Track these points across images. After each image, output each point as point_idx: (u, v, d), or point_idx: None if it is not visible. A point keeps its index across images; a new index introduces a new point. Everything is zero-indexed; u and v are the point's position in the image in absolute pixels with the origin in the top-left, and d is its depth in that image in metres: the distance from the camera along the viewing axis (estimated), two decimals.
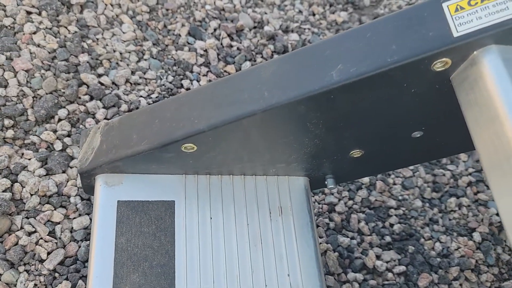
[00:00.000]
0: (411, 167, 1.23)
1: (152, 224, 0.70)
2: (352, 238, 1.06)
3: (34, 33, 1.05)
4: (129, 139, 0.69)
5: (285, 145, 0.69)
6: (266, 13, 1.36)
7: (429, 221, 1.15)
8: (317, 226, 1.05)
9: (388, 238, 1.08)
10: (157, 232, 0.70)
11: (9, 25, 1.05)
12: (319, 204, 1.09)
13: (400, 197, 1.16)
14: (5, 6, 1.07)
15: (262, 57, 1.24)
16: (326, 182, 0.83)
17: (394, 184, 1.18)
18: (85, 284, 0.81)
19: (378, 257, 1.05)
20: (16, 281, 0.78)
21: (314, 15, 1.44)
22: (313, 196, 1.10)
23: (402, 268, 1.03)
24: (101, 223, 0.68)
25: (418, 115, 0.64)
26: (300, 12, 1.43)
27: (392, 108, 0.62)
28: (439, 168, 1.26)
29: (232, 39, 1.26)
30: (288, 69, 0.61)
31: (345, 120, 0.64)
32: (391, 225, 1.11)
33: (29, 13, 1.08)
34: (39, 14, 1.09)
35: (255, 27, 1.32)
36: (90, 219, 0.88)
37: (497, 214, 1.17)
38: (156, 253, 0.68)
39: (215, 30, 1.27)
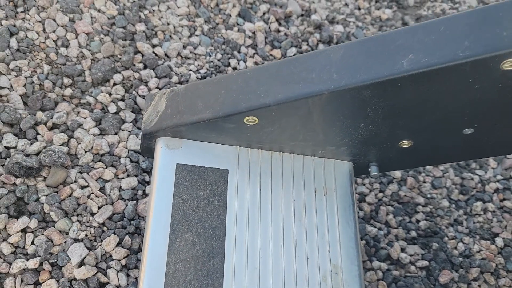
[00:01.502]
0: (441, 167, 1.26)
1: (207, 188, 0.74)
2: (380, 229, 1.10)
3: None
4: (195, 106, 0.72)
5: (341, 127, 0.73)
6: (314, 2, 1.39)
7: (454, 221, 1.18)
8: None
9: (413, 233, 1.11)
10: (211, 197, 0.74)
11: None
12: None
13: (428, 195, 1.19)
14: None
15: (308, 44, 1.27)
16: (369, 169, 0.86)
17: (424, 182, 1.21)
18: (131, 240, 0.86)
19: (402, 249, 1.08)
20: (69, 229, 0.82)
21: (359, 9, 1.46)
22: (365, 175, 1.13)
23: (425, 263, 1.06)
24: (161, 182, 0.72)
25: (474, 111, 0.67)
26: (346, 5, 1.45)
27: (452, 102, 0.65)
28: (468, 171, 1.28)
29: (280, 24, 1.29)
30: (358, 54, 0.64)
31: (404, 109, 0.67)
32: (418, 221, 1.14)
33: None
34: None
35: (302, 15, 1.35)
36: (138, 181, 0.93)
37: None
38: (209, 216, 0.72)
39: (264, 14, 1.30)
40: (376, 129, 0.73)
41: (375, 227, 1.10)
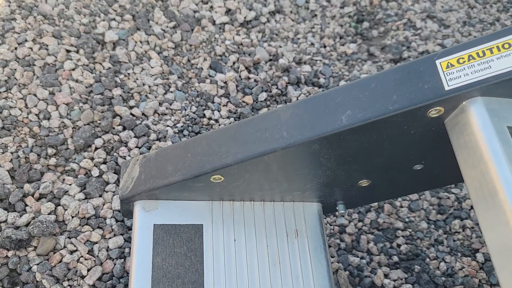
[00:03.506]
0: None
1: (183, 245, 0.80)
2: (362, 257, 1.14)
3: (73, 69, 1.17)
4: (165, 170, 0.79)
5: (301, 176, 0.79)
6: (281, 47, 1.47)
7: (434, 241, 1.22)
8: (329, 246, 1.14)
9: (395, 258, 1.16)
10: (188, 253, 0.79)
11: (51, 63, 1.17)
12: (330, 225, 1.18)
13: (406, 219, 1.24)
14: (47, 45, 1.20)
15: (277, 88, 1.34)
16: (337, 208, 0.92)
17: (401, 207, 1.26)
18: None
19: (386, 275, 1.12)
20: None
21: (325, 47, 1.55)
22: (325, 218, 1.19)
23: (409, 286, 1.10)
24: (140, 244, 0.78)
25: (418, 151, 0.73)
26: (312, 44, 1.53)
27: (394, 146, 0.71)
28: (443, 191, 1.33)
29: (249, 71, 1.37)
30: (304, 113, 0.70)
31: (354, 155, 0.73)
32: (398, 245, 1.19)
33: (68, 51, 1.20)
34: (77, 52, 1.22)
35: (270, 60, 1.43)
36: (124, 239, 0.98)
37: None
38: (188, 271, 0.77)
39: (234, 63, 1.38)
40: (334, 174, 0.79)
41: (357, 257, 1.14)
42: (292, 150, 0.70)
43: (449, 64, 0.62)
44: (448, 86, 0.61)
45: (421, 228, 1.23)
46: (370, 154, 0.73)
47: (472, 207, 1.31)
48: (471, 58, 0.62)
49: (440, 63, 0.63)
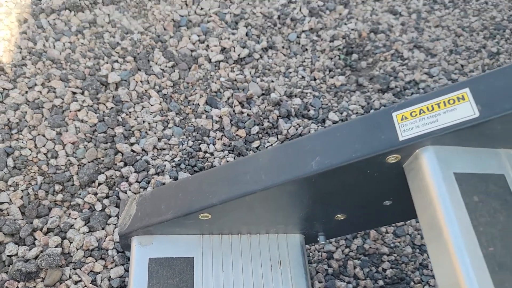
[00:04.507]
0: None
1: (176, 276, 0.88)
2: (349, 282, 1.21)
3: (79, 110, 1.28)
4: (159, 208, 0.88)
5: (282, 212, 0.87)
6: (273, 81, 1.57)
7: (419, 265, 1.29)
8: (317, 272, 1.21)
9: (381, 282, 1.22)
10: (180, 284, 0.87)
11: (58, 105, 1.28)
12: (318, 252, 1.25)
13: (392, 244, 1.31)
14: (55, 88, 1.30)
15: (268, 121, 1.44)
16: (318, 239, 0.99)
17: (387, 232, 1.33)
18: None
19: None
20: None
21: (315, 79, 1.64)
22: (313, 245, 1.26)
23: None
24: (136, 276, 0.86)
25: (384, 190, 0.81)
26: (303, 78, 1.63)
27: (362, 186, 0.79)
28: None
29: (243, 106, 1.46)
30: (280, 157, 0.79)
31: (327, 194, 0.82)
32: (384, 270, 1.26)
33: (74, 93, 1.31)
34: (82, 93, 1.32)
35: (263, 94, 1.53)
36: (125, 269, 1.07)
37: None
38: None
39: (228, 99, 1.48)
40: (311, 210, 0.87)
41: (344, 281, 1.21)
42: (270, 191, 0.79)
43: (403, 116, 0.71)
44: (402, 136, 0.69)
45: (406, 253, 1.30)
46: (341, 193, 0.82)
47: None
48: (422, 112, 0.70)
49: (396, 115, 0.71)
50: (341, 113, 1.56)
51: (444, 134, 0.67)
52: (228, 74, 1.53)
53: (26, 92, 1.28)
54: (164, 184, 1.22)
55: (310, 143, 0.77)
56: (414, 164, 0.71)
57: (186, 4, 1.68)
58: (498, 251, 0.63)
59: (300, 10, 1.83)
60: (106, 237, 1.11)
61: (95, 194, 1.16)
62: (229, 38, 1.62)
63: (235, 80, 1.52)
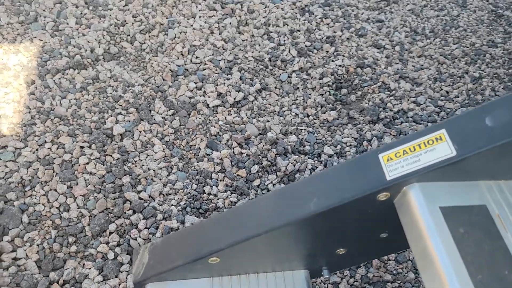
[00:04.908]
0: None
1: None
2: None
3: (87, 163, 1.35)
4: (170, 256, 0.93)
5: (285, 251, 0.93)
6: (268, 121, 1.65)
7: None
8: None
9: None
10: None
11: (68, 160, 1.35)
12: (324, 284, 1.30)
13: (395, 271, 1.36)
14: (63, 144, 1.38)
15: (267, 160, 1.51)
16: (322, 273, 1.05)
17: (389, 260, 1.38)
18: None
19: None
20: None
21: (308, 116, 1.73)
22: (319, 277, 1.31)
23: None
24: None
25: (379, 224, 0.88)
26: (297, 115, 1.71)
27: (358, 222, 0.86)
28: None
29: (242, 147, 1.54)
30: (279, 201, 0.86)
31: (326, 232, 0.88)
32: None
33: (82, 147, 1.39)
34: (90, 147, 1.40)
35: (260, 134, 1.61)
36: None
37: None
38: None
39: (227, 141, 1.55)
40: (313, 248, 0.93)
41: None
42: (273, 233, 0.85)
43: (389, 158, 0.78)
44: (390, 176, 0.76)
45: (409, 279, 1.34)
46: (339, 230, 0.88)
47: None
48: (405, 152, 0.77)
49: (382, 157, 0.79)
50: (336, 146, 1.63)
51: (427, 172, 0.74)
52: (225, 118, 1.61)
53: (37, 149, 1.35)
54: (172, 229, 1.28)
55: (308, 186, 0.84)
56: (403, 200, 0.77)
57: (182, 54, 1.78)
58: (486, 279, 0.68)
59: (289, 51, 1.94)
60: (119, 284, 1.15)
61: (107, 243, 1.22)
62: (224, 83, 1.71)
63: (233, 122, 1.61)
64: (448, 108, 1.91)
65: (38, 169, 1.31)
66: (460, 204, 0.76)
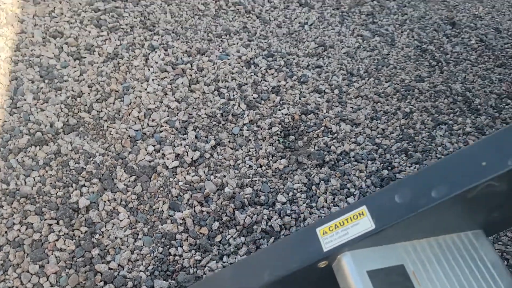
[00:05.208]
0: None
1: None
2: None
3: (57, 240, 1.43)
4: None
5: None
6: (225, 176, 1.80)
7: None
8: None
9: None
10: None
11: (37, 239, 1.42)
12: None
13: None
14: (32, 224, 1.45)
15: (226, 215, 1.64)
16: None
17: None
18: None
19: None
20: None
21: (261, 166, 1.88)
22: None
23: None
24: None
25: (326, 286, 1.03)
26: (251, 167, 1.87)
27: (309, 286, 1.01)
28: None
29: (202, 205, 1.67)
30: (238, 273, 1.00)
31: None
32: None
33: (50, 225, 1.46)
34: (58, 223, 1.48)
35: (218, 190, 1.74)
36: None
37: None
38: None
39: (188, 200, 1.68)
40: None
41: None
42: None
43: (324, 231, 0.94)
44: (326, 248, 0.92)
45: None
46: None
47: None
48: (336, 226, 0.94)
49: (319, 231, 0.95)
50: (288, 194, 1.80)
51: (355, 242, 0.91)
52: (185, 177, 1.74)
53: (6, 232, 1.42)
54: None
55: (262, 259, 0.99)
56: (339, 266, 0.93)
57: (139, 119, 1.90)
58: None
59: (239, 105, 2.10)
60: None
61: None
62: (181, 144, 1.85)
63: (192, 181, 1.73)
64: (384, 144, 2.13)
65: (9, 252, 1.37)
66: (383, 266, 0.93)
